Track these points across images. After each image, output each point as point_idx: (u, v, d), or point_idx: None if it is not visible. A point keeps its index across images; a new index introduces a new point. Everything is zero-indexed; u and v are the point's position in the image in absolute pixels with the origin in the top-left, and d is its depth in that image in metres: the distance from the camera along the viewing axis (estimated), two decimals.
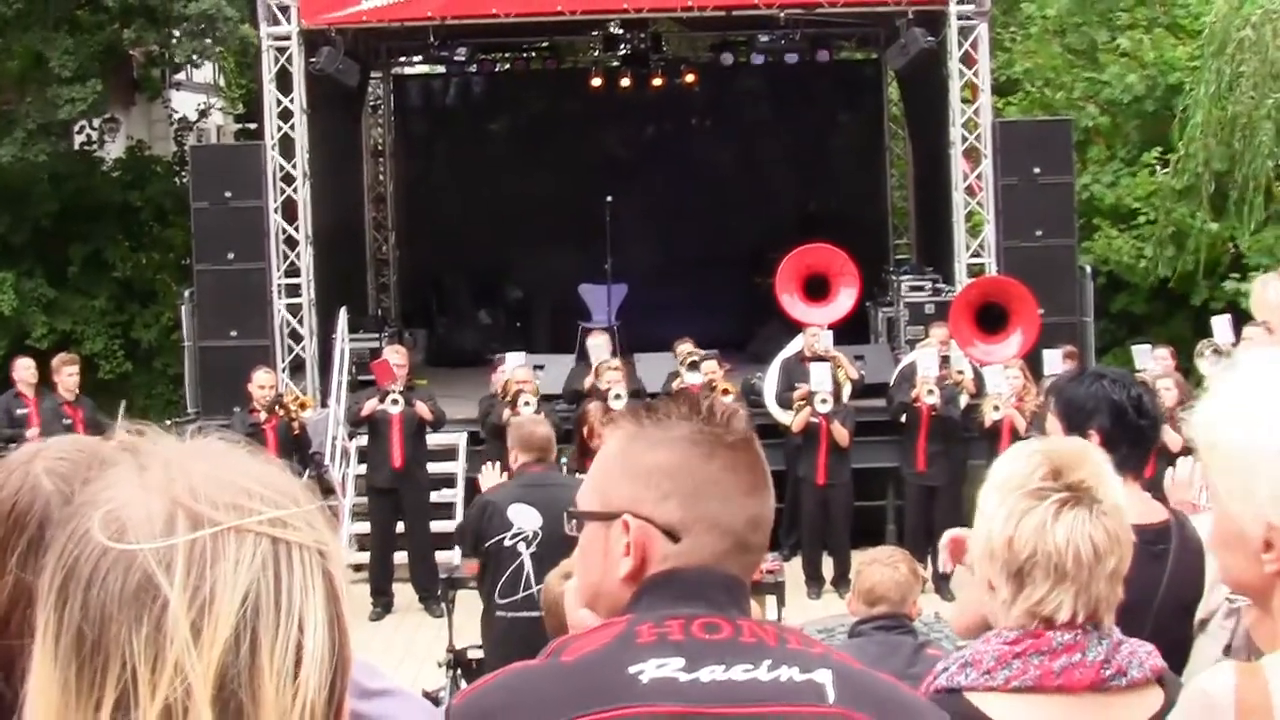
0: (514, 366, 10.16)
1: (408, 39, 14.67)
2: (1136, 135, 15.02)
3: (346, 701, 0.88)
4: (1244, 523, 1.49)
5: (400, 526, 9.84)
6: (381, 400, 9.66)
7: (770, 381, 10.64)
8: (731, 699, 1.31)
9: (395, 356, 10.10)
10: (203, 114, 18.54)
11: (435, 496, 10.31)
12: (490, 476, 6.16)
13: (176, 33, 15.18)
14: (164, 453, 0.89)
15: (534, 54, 16.06)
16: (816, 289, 11.81)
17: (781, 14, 12.82)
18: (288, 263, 12.00)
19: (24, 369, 10.29)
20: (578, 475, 5.84)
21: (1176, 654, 2.28)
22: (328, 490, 10.39)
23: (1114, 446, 2.31)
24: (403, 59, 16.78)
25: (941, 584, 9.63)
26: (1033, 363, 10.18)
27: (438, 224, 15.83)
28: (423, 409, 9.73)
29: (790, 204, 16.14)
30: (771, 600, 6.93)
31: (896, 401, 10.17)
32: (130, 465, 0.88)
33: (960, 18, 11.89)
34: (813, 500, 9.96)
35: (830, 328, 10.98)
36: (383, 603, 9.71)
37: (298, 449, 9.64)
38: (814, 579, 10.04)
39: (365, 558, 10.05)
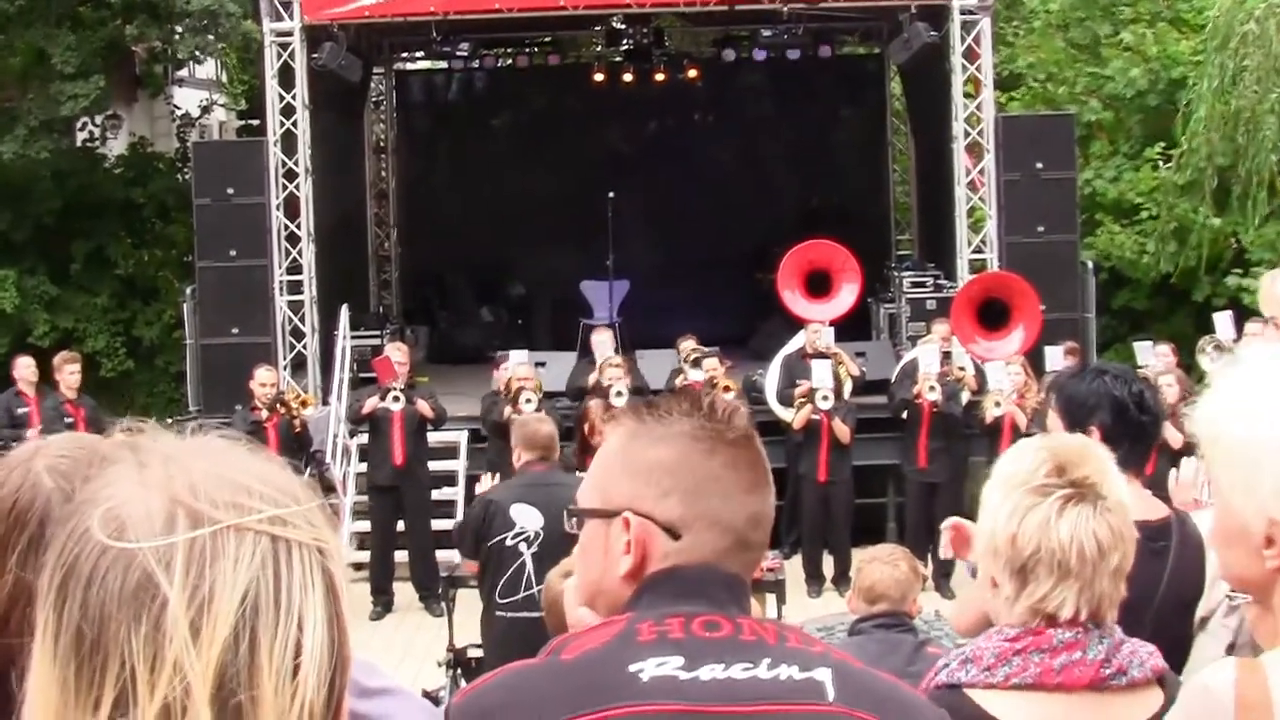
0: (516, 364, 10.16)
1: (410, 34, 14.67)
2: (1139, 130, 15.00)
3: (346, 700, 0.88)
4: (1246, 518, 1.49)
5: (401, 525, 9.84)
6: (383, 398, 9.66)
7: (772, 378, 10.64)
8: (731, 697, 1.31)
9: (397, 354, 10.10)
10: (205, 110, 18.54)
11: (436, 494, 10.31)
12: (488, 485, 6.19)
13: (179, 29, 15.18)
14: (164, 450, 0.89)
15: (536, 49, 16.05)
16: (818, 285, 11.81)
17: (784, 9, 12.81)
18: (290, 259, 12.00)
19: (24, 367, 10.27)
20: (578, 473, 5.84)
21: (1177, 652, 2.28)
22: (329, 488, 10.39)
23: (1115, 443, 2.31)
24: (405, 55, 16.77)
25: (942, 582, 9.64)
26: (1034, 359, 10.17)
27: (439, 220, 15.82)
28: (424, 407, 9.73)
29: (792, 200, 16.13)
30: (772, 598, 6.93)
31: (898, 398, 10.17)
32: (130, 463, 0.88)
33: (963, 12, 11.88)
34: (813, 497, 9.96)
35: (832, 324, 10.98)
36: (383, 601, 9.71)
37: (299, 447, 9.65)
38: (814, 577, 10.04)
39: (366, 556, 10.05)
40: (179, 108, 18.24)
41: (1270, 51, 12.35)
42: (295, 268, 12.02)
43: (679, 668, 1.31)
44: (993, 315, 10.87)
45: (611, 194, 12.74)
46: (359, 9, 11.97)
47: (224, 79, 19.98)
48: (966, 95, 12.09)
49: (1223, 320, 10.17)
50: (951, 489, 9.68)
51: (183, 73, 19.08)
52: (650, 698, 1.29)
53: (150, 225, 16.28)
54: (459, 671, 6.53)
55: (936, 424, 9.89)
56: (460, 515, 9.41)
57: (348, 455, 10.91)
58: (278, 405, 9.70)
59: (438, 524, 9.90)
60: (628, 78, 15.26)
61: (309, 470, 9.87)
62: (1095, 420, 2.73)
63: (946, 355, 10.39)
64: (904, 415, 10.09)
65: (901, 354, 11.67)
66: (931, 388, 9.82)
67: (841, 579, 9.67)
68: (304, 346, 12.03)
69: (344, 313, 12.03)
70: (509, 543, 5.66)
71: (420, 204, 16.23)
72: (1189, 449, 1.70)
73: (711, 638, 1.35)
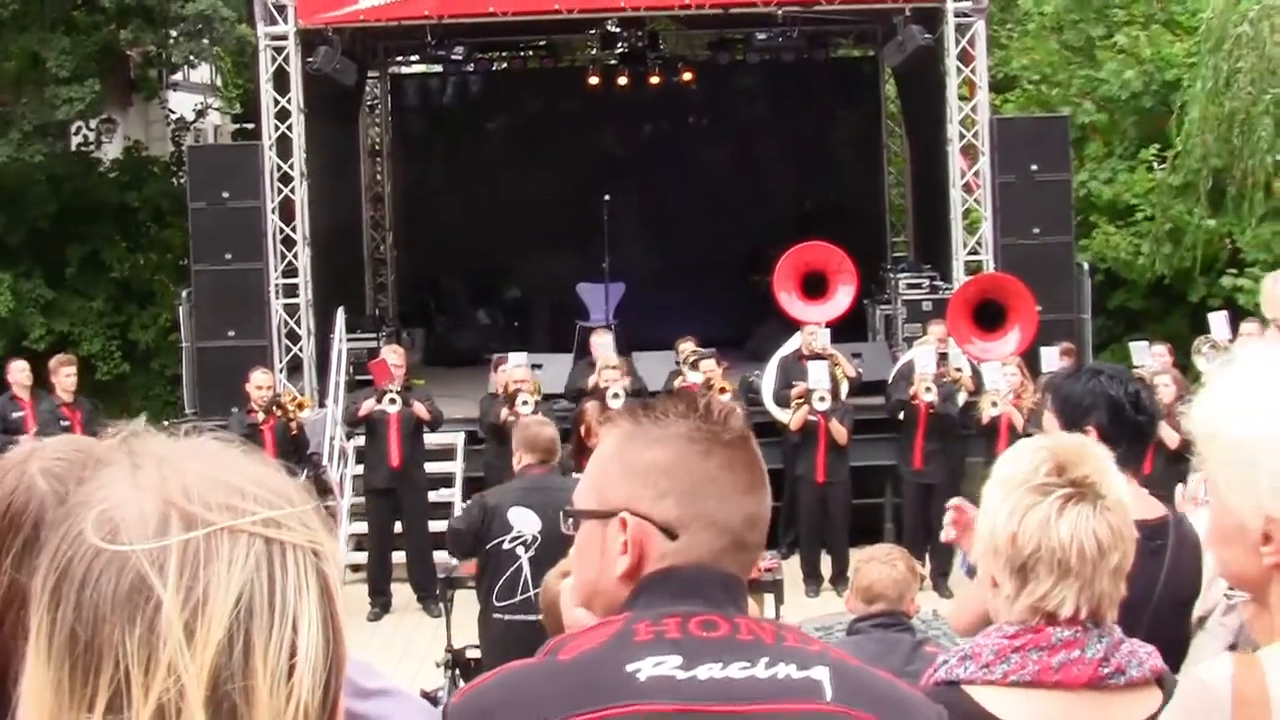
0: (514, 366, 10.15)
1: (405, 38, 14.66)
2: (1134, 132, 15.02)
3: (341, 702, 0.88)
4: (1243, 515, 1.50)
5: (398, 526, 9.84)
6: (379, 400, 9.65)
7: (768, 380, 10.64)
8: (729, 697, 1.31)
9: (393, 356, 10.09)
10: (200, 114, 18.52)
11: (433, 496, 10.30)
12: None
13: (173, 33, 15.17)
14: (158, 452, 0.89)
15: (531, 53, 16.06)
16: (814, 287, 11.81)
17: (779, 11, 12.81)
18: (285, 263, 11.99)
19: (19, 371, 10.24)
20: (574, 475, 5.84)
21: (1174, 651, 2.28)
22: (325, 490, 10.38)
23: (1112, 443, 2.31)
24: (400, 58, 16.77)
25: (940, 581, 9.64)
26: (1030, 360, 10.18)
27: (435, 223, 15.82)
28: (420, 409, 9.73)
29: (787, 202, 16.14)
30: (770, 598, 6.94)
31: (894, 399, 10.17)
32: (124, 465, 0.88)
33: (957, 15, 11.89)
34: (811, 498, 9.96)
35: (828, 325, 10.98)
36: (381, 603, 9.71)
37: (295, 449, 9.63)
38: (812, 577, 10.04)
39: (363, 558, 10.05)
40: (174, 112, 18.22)
41: (1264, 53, 12.37)
42: (291, 271, 12.02)
43: (676, 667, 1.31)
44: (989, 316, 10.88)
45: (607, 197, 12.75)
46: (353, 13, 11.97)
47: (219, 83, 19.97)
48: (961, 97, 12.10)
49: (1218, 320, 10.19)
50: (948, 490, 9.62)
51: (177, 77, 19.08)
52: (648, 697, 1.29)
53: (145, 229, 16.27)
54: (457, 672, 6.52)
55: (933, 425, 9.89)
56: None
57: (344, 457, 10.90)
58: (274, 408, 9.69)
59: (435, 525, 9.89)
60: (623, 81, 15.27)
61: (305, 473, 9.86)
62: (1091, 420, 2.73)
63: (943, 356, 10.39)
64: (900, 416, 10.09)
65: (898, 355, 11.68)
66: (928, 389, 9.83)
67: (839, 579, 9.67)
68: (300, 349, 12.02)
69: (340, 316, 12.03)
70: (506, 546, 5.66)
71: (416, 207, 16.22)
72: (1185, 448, 1.71)
73: (709, 637, 1.35)
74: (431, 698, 5.41)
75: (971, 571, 2.55)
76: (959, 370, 10.23)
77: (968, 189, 12.13)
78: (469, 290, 15.68)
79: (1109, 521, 1.82)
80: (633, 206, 14.16)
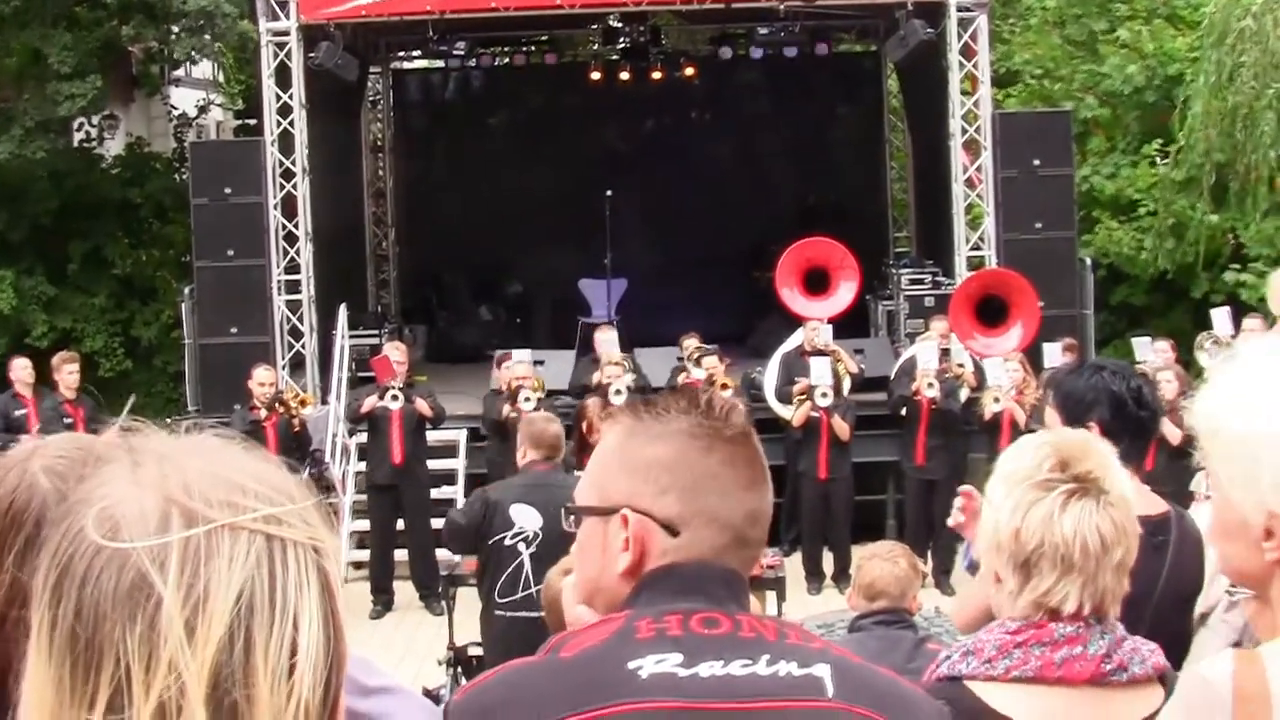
0: (517, 364, 10.14)
1: (406, 33, 14.65)
2: (1136, 127, 15.00)
3: (342, 699, 0.88)
4: (1246, 511, 1.50)
5: (400, 524, 9.84)
6: (381, 397, 9.65)
7: (770, 376, 10.63)
8: (730, 694, 1.31)
9: (395, 353, 10.10)
10: (202, 110, 18.51)
11: (435, 493, 10.30)
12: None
13: (175, 29, 15.16)
14: (158, 449, 0.89)
15: (533, 48, 16.04)
16: (816, 283, 11.81)
17: (781, 6, 12.81)
18: (288, 259, 12.00)
19: (21, 369, 10.24)
20: (576, 472, 5.84)
21: (1176, 647, 2.28)
22: (328, 487, 10.39)
23: (1114, 438, 2.31)
24: (401, 54, 16.76)
25: (942, 578, 9.64)
26: (1032, 355, 10.17)
27: (437, 219, 15.82)
28: (422, 405, 9.73)
29: (790, 197, 16.13)
30: (772, 595, 6.94)
31: (896, 395, 10.16)
32: (124, 462, 0.88)
33: (959, 9, 11.88)
34: (813, 495, 9.95)
35: (830, 321, 10.98)
36: (383, 600, 9.71)
37: (298, 446, 9.64)
38: (814, 574, 10.04)
39: (366, 555, 10.05)
40: (176, 108, 18.21)
41: (1267, 47, 12.35)
42: (293, 267, 12.02)
43: (678, 665, 1.31)
44: (991, 312, 10.87)
45: (609, 192, 12.74)
46: (355, 8, 11.96)
47: (221, 79, 19.96)
48: (963, 92, 12.09)
49: (1220, 316, 10.19)
50: (950, 486, 9.63)
51: (179, 73, 19.06)
52: (649, 695, 1.29)
53: (148, 225, 16.27)
54: (459, 669, 6.53)
55: (935, 421, 9.89)
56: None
57: (347, 454, 10.91)
58: (276, 405, 9.70)
59: (437, 523, 9.88)
60: (625, 76, 15.26)
61: (308, 469, 9.86)
62: (1094, 416, 2.73)
63: (945, 352, 10.38)
64: (902, 412, 10.09)
65: (900, 351, 11.67)
66: (930, 384, 9.82)
67: (841, 576, 9.67)
68: (302, 346, 12.03)
69: (342, 312, 12.03)
70: (508, 542, 5.66)
71: (418, 203, 16.22)
72: (1188, 444, 1.70)
73: (710, 634, 1.35)
74: (434, 695, 5.42)
75: (974, 567, 2.55)
76: (961, 366, 10.22)
77: (970, 184, 12.12)
78: (471, 286, 15.67)
79: (1112, 517, 1.82)
80: (635, 202, 14.15)
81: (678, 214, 15.27)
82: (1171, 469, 6.72)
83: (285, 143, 12.00)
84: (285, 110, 11.94)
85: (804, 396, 9.96)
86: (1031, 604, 1.82)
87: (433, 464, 10.31)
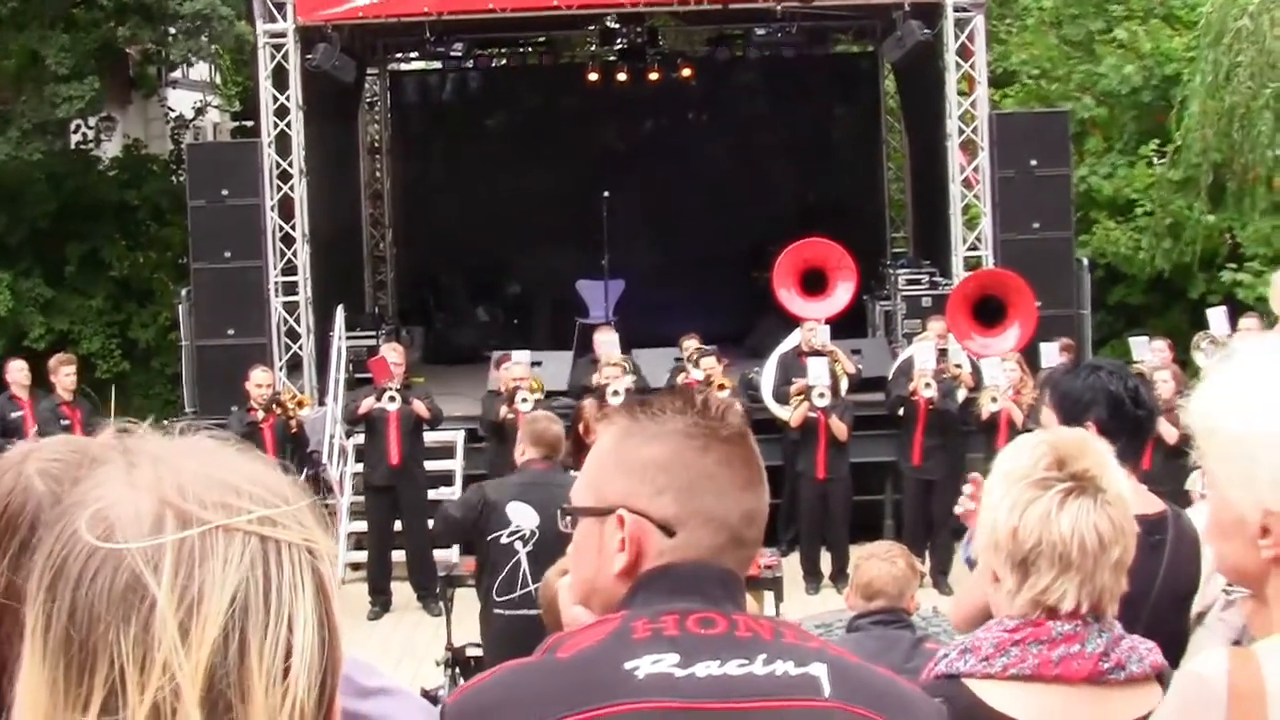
0: (516, 365, 10.14)
1: (404, 35, 14.65)
2: (1133, 127, 15.01)
3: (337, 701, 0.87)
4: (1243, 510, 1.50)
5: (398, 525, 9.84)
6: (379, 398, 9.65)
7: (768, 376, 10.63)
8: (727, 694, 1.30)
9: (392, 354, 10.09)
10: (199, 112, 18.51)
11: (433, 494, 10.28)
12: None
13: (172, 30, 15.16)
14: (153, 451, 0.89)
15: (530, 49, 16.05)
16: (814, 283, 11.81)
17: (778, 7, 12.81)
18: (285, 261, 11.99)
19: (17, 371, 10.22)
20: (572, 473, 5.84)
21: (1173, 646, 2.28)
22: (326, 488, 10.38)
23: (1111, 438, 2.31)
24: (399, 55, 16.76)
25: (940, 578, 9.64)
26: (1030, 355, 10.17)
27: (434, 221, 15.81)
28: (420, 407, 9.72)
29: (787, 198, 16.13)
30: (770, 595, 6.93)
31: (894, 395, 10.17)
32: (119, 464, 0.88)
33: (956, 10, 11.88)
34: (811, 495, 9.95)
35: (827, 322, 10.98)
36: (381, 601, 9.70)
37: (295, 447, 9.63)
38: (812, 574, 10.04)
39: (363, 556, 10.05)
40: (173, 109, 18.21)
41: (1264, 47, 12.36)
42: (290, 269, 12.01)
43: (674, 665, 1.31)
44: (988, 312, 10.88)
45: (606, 193, 12.74)
46: (352, 10, 11.96)
47: (218, 80, 19.95)
48: (960, 93, 12.09)
49: (1217, 316, 10.20)
50: (948, 486, 9.66)
51: (176, 74, 19.07)
52: (646, 695, 1.29)
53: (145, 227, 16.27)
54: (457, 670, 6.52)
55: (932, 421, 9.89)
56: None
57: (344, 456, 10.90)
58: (274, 406, 9.69)
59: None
60: (622, 77, 15.26)
61: (305, 471, 9.86)
62: (1091, 416, 2.73)
63: (942, 352, 10.38)
64: (900, 412, 10.09)
65: (897, 351, 11.67)
66: (927, 385, 9.82)
67: (839, 576, 9.67)
68: (299, 347, 12.02)
69: (339, 313, 12.03)
70: (504, 541, 5.67)
71: (415, 204, 16.22)
72: (1185, 444, 1.71)
73: (707, 635, 1.34)
74: (432, 696, 5.41)
75: (973, 564, 2.55)
76: (959, 366, 10.23)
77: (967, 184, 12.12)
78: (468, 287, 15.67)
79: (1110, 515, 1.82)
80: (632, 203, 14.15)
81: (675, 215, 15.27)
82: (1168, 468, 6.72)
83: (282, 144, 11.99)
84: (282, 112, 11.94)
85: (801, 397, 9.96)
86: (1029, 602, 1.82)
87: (430, 465, 10.31)
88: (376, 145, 16.57)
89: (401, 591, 9.81)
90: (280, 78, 11.97)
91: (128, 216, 16.24)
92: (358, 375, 11.90)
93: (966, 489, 2.43)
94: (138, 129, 18.26)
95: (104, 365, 15.57)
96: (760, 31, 14.74)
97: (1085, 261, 12.52)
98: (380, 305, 15.82)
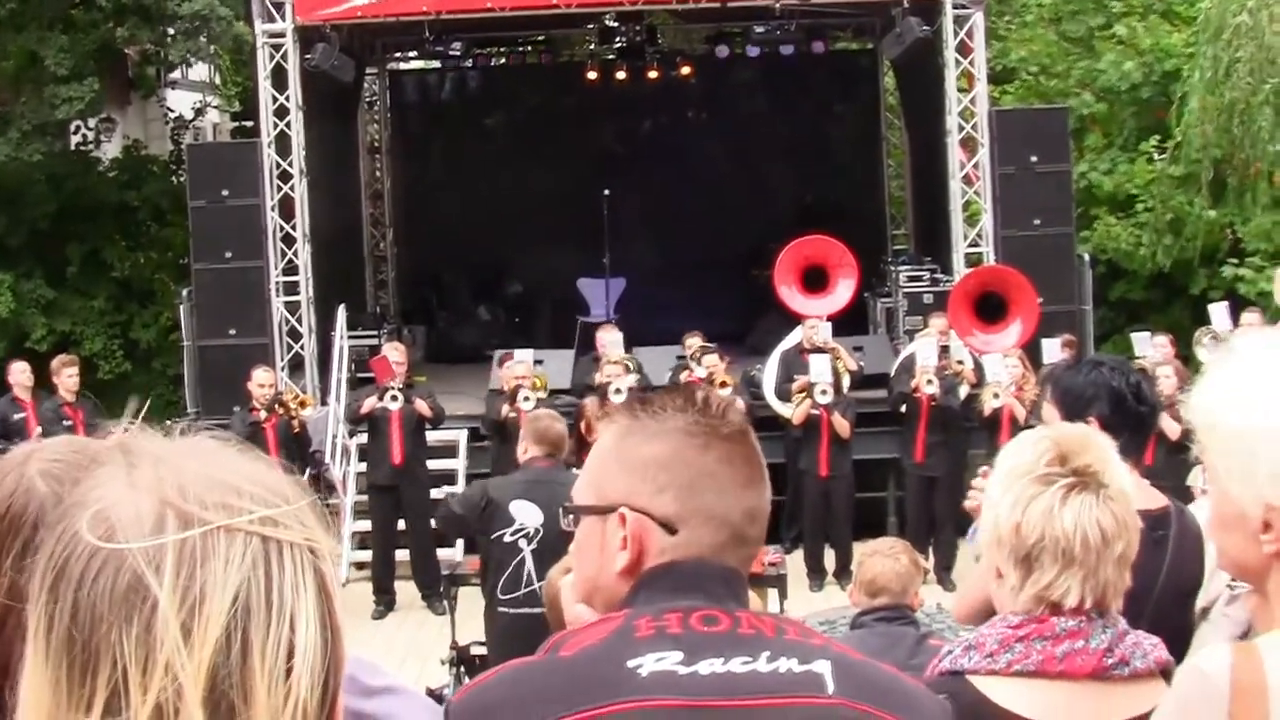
0: (519, 363, 10.14)
1: (403, 34, 14.65)
2: (1133, 123, 15.01)
3: (340, 701, 0.87)
4: (1244, 504, 1.50)
5: (402, 524, 9.84)
6: (381, 397, 9.65)
7: (769, 374, 10.63)
8: (730, 691, 1.30)
9: (394, 353, 10.09)
10: (199, 112, 18.50)
11: (436, 493, 10.27)
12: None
13: (171, 31, 15.16)
14: (154, 451, 0.89)
15: (529, 48, 16.05)
16: (815, 280, 11.80)
17: (777, 5, 12.80)
18: (286, 261, 11.99)
19: (19, 372, 10.24)
20: (574, 471, 5.85)
21: (1177, 642, 2.28)
22: (329, 488, 10.39)
23: (1113, 433, 2.30)
24: (398, 54, 16.76)
25: (943, 574, 9.64)
26: (1031, 352, 10.17)
27: (435, 220, 15.82)
28: (422, 406, 9.73)
29: (787, 196, 16.13)
30: (773, 593, 6.93)
31: (896, 392, 10.17)
32: (120, 464, 0.88)
33: (955, 6, 11.88)
34: (814, 492, 9.96)
35: (829, 319, 10.98)
36: (385, 600, 9.71)
37: (298, 447, 9.64)
38: (816, 571, 10.05)
39: (367, 556, 10.05)
40: (172, 110, 18.20)
41: (1263, 43, 12.35)
42: (291, 268, 12.02)
43: (678, 663, 1.31)
44: (990, 308, 10.87)
45: (607, 192, 12.74)
46: (351, 9, 11.95)
47: (217, 81, 19.95)
48: (960, 89, 12.09)
49: (1219, 311, 10.20)
50: (951, 482, 9.67)
51: (176, 75, 19.05)
52: (649, 693, 1.29)
53: (145, 228, 16.27)
54: (462, 669, 6.53)
55: (935, 418, 9.89)
56: None
57: (347, 455, 10.91)
58: (276, 406, 9.69)
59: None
60: (621, 75, 15.25)
61: (308, 471, 9.86)
62: (1093, 411, 2.72)
63: (944, 349, 10.38)
64: (902, 409, 10.09)
65: (899, 348, 11.67)
66: (929, 381, 9.82)
67: (843, 573, 9.68)
68: (301, 347, 12.03)
69: (341, 313, 12.03)
70: (508, 539, 5.67)
71: (416, 204, 16.22)
72: (1186, 439, 1.71)
73: (710, 632, 1.34)
74: (437, 695, 5.41)
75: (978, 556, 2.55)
76: (960, 363, 10.23)
77: (967, 181, 12.12)
78: (470, 286, 15.68)
79: (1112, 510, 1.82)
80: (633, 201, 14.15)
81: (675, 213, 15.27)
82: (1170, 464, 6.72)
83: (282, 144, 12.00)
84: (282, 112, 11.94)
85: (804, 394, 9.96)
86: (1033, 598, 1.82)
87: (433, 464, 10.31)
88: (376, 145, 16.57)
89: (406, 590, 9.81)
90: (279, 78, 11.97)
91: (128, 217, 16.25)
92: (360, 375, 11.91)
93: (977, 482, 2.43)
94: (137, 130, 18.25)
95: (106, 366, 15.58)
96: (759, 29, 14.72)
97: (1086, 257, 12.51)
98: (382, 304, 15.82)
